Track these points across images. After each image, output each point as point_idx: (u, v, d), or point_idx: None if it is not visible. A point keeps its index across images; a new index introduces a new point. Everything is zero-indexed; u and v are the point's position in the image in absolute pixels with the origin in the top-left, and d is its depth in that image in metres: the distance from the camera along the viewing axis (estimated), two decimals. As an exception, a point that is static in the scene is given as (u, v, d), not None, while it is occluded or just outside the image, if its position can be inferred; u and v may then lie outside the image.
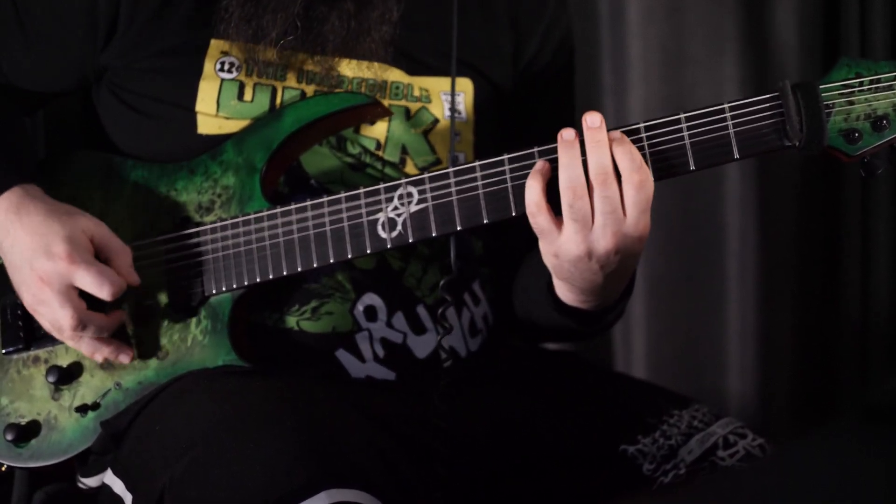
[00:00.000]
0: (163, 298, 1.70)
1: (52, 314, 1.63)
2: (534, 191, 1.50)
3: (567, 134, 1.49)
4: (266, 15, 1.70)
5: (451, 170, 1.59)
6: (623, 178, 1.48)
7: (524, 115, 1.89)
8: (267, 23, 1.70)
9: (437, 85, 1.81)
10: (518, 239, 1.82)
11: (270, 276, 1.66)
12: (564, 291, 1.62)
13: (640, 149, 1.50)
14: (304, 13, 1.71)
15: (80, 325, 1.63)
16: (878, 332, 2.68)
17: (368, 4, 1.72)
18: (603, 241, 1.48)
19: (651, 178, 1.49)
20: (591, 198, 1.48)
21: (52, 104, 1.91)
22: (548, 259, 1.54)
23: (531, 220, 1.51)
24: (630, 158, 1.48)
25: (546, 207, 1.50)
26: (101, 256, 1.66)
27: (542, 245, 1.53)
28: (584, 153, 1.49)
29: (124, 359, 1.68)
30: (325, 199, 1.64)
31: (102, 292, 1.62)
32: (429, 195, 1.60)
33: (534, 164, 1.54)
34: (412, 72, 1.79)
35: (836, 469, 0.98)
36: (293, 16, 1.70)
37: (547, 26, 1.89)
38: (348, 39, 1.72)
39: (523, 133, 1.86)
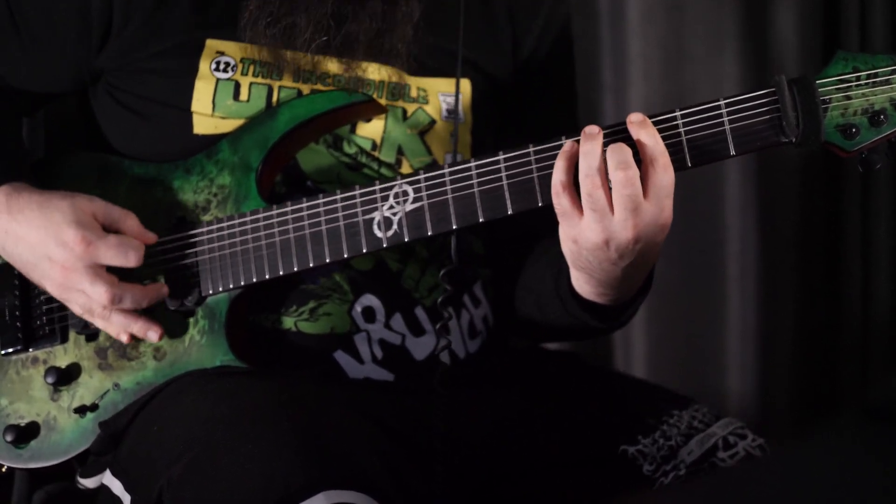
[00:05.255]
0: (160, 299, 1.70)
1: (85, 296, 1.64)
2: (560, 171, 1.48)
3: (590, 129, 1.47)
4: (299, 15, 1.69)
5: (446, 169, 1.58)
6: (646, 162, 1.45)
7: (524, 110, 1.88)
8: (299, 22, 1.69)
9: (435, 85, 1.80)
10: (520, 237, 1.82)
11: (267, 277, 1.65)
12: (582, 283, 1.59)
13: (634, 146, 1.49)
14: (335, 12, 1.70)
15: (117, 298, 1.63)
16: (878, 332, 2.68)
17: (395, 4, 1.71)
18: (623, 229, 1.45)
19: (671, 164, 1.46)
20: (611, 187, 1.45)
21: (52, 105, 1.91)
22: (567, 245, 1.52)
23: (554, 200, 1.48)
24: (654, 141, 1.46)
25: (570, 189, 1.47)
26: (108, 229, 1.66)
27: (561, 230, 1.51)
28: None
29: (153, 336, 1.67)
30: (321, 198, 1.64)
31: (128, 260, 1.63)
32: (424, 194, 1.59)
33: (529, 161, 1.54)
34: (410, 71, 1.79)
35: (836, 469, 0.98)
36: (326, 17, 1.69)
37: (545, 19, 1.88)
38: (375, 40, 1.71)
39: (524, 128, 1.86)
